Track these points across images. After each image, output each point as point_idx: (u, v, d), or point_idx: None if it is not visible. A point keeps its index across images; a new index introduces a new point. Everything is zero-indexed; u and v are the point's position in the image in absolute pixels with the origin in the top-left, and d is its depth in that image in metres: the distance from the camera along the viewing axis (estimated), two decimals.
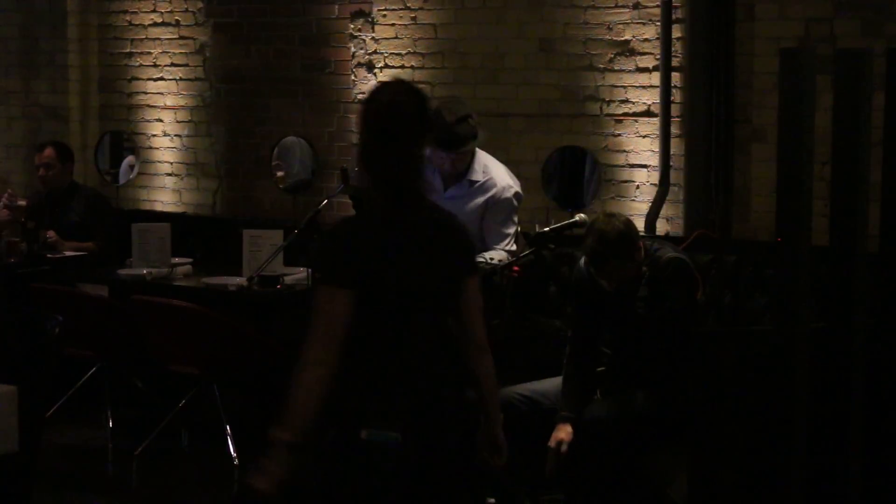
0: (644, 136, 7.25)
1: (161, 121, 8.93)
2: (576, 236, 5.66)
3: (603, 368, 5.51)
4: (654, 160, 7.18)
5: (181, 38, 8.80)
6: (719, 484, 4.79)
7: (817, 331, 4.40)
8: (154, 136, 8.97)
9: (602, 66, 7.34)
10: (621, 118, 7.32)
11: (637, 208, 7.21)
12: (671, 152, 7.10)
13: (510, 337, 6.33)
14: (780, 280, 4.38)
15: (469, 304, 3.66)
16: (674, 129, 7.10)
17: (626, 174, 7.32)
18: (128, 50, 9.02)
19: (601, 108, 7.36)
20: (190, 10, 8.76)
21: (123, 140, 9.08)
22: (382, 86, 3.76)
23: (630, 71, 7.26)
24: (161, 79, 8.91)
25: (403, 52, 7.97)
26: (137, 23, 8.96)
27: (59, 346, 5.56)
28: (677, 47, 7.07)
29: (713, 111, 6.95)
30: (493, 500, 5.65)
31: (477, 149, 6.30)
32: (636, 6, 7.20)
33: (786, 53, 4.35)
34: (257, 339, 6.46)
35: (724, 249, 6.46)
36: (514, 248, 6.27)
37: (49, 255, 7.67)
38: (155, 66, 8.92)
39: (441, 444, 3.61)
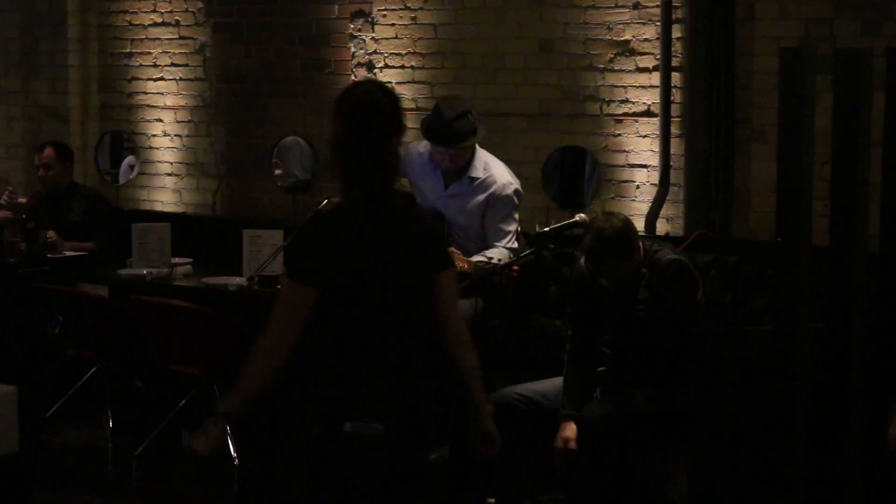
0: (644, 136, 7.25)
1: (161, 121, 8.93)
2: (576, 236, 5.66)
3: (603, 368, 5.51)
4: (654, 160, 7.18)
5: (181, 38, 8.80)
6: (719, 484, 4.80)
7: (817, 331, 4.40)
8: (154, 136, 8.97)
9: (602, 66, 7.34)
10: (621, 118, 7.32)
11: (637, 208, 7.21)
12: (671, 152, 7.10)
13: (510, 337, 6.34)
14: (780, 280, 4.38)
15: (444, 299, 3.71)
16: (674, 129, 7.10)
17: (626, 174, 7.32)
18: (128, 50, 9.02)
19: (601, 108, 7.36)
20: (190, 10, 8.76)
21: (123, 140, 9.08)
22: (355, 85, 3.81)
23: (630, 71, 7.26)
24: (161, 79, 8.91)
25: (403, 52, 7.97)
26: (137, 23, 8.96)
27: (59, 346, 5.58)
28: (677, 47, 7.07)
29: (713, 111, 6.94)
30: (493, 501, 5.66)
31: (477, 147, 6.32)
32: (636, 6, 7.20)
33: (786, 53, 4.35)
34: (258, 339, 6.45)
35: (724, 249, 6.46)
36: (515, 245, 6.28)
37: (49, 255, 7.67)
38: (155, 66, 8.92)
39: (421, 434, 3.68)
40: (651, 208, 7.10)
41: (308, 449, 3.64)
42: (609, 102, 7.34)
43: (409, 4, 7.94)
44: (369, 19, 8.09)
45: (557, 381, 5.56)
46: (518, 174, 6.49)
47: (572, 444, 5.30)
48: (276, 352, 3.61)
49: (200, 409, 6.69)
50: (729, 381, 4.75)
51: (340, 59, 8.22)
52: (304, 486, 3.66)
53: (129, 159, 9.00)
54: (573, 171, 7.33)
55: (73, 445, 6.94)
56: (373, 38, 8.08)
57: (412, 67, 7.95)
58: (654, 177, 7.17)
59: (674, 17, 7.03)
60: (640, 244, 5.36)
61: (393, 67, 8.02)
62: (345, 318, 3.61)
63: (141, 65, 8.98)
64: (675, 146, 7.11)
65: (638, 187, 7.28)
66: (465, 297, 6.07)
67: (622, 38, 7.26)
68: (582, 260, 5.44)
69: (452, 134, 6.16)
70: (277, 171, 8.21)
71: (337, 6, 8.22)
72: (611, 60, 7.31)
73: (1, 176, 9.24)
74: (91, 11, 9.10)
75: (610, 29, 7.29)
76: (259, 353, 3.63)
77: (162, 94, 8.91)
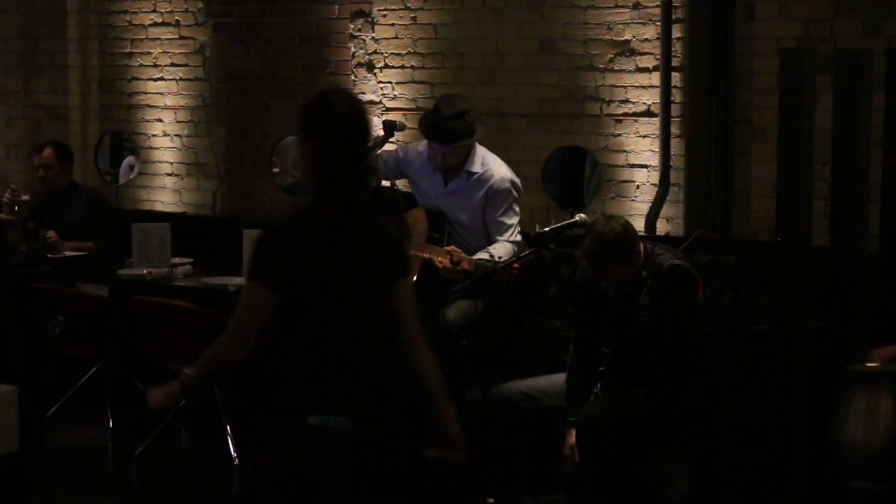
0: (644, 136, 7.25)
1: (161, 121, 8.93)
2: (576, 236, 5.66)
3: (603, 368, 5.51)
4: (654, 160, 7.18)
5: (181, 38, 8.80)
6: (719, 484, 4.80)
7: (817, 331, 4.40)
8: (154, 136, 8.97)
9: (602, 66, 7.34)
10: (621, 118, 7.32)
11: (637, 208, 7.21)
12: (671, 152, 7.10)
13: (510, 337, 6.34)
14: (780, 280, 4.39)
15: (402, 304, 3.81)
16: (674, 129, 7.10)
17: (626, 174, 7.32)
18: (128, 50, 9.02)
19: (601, 108, 7.36)
20: (190, 10, 8.76)
21: (123, 140, 9.08)
22: (333, 95, 3.81)
23: (630, 71, 7.26)
24: (161, 79, 8.91)
25: (403, 52, 7.97)
26: (137, 23, 8.96)
27: (59, 346, 5.57)
28: (677, 47, 7.07)
29: (713, 111, 6.94)
30: (492, 501, 5.65)
31: (476, 143, 6.33)
32: (636, 6, 7.20)
33: (786, 53, 4.35)
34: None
35: (724, 249, 6.46)
36: (518, 238, 6.28)
37: (49, 255, 7.66)
38: (155, 66, 8.92)
39: (387, 428, 3.75)
40: (651, 208, 7.10)
41: (275, 445, 3.73)
42: (609, 102, 7.33)
43: (409, 4, 7.94)
44: (369, 19, 8.09)
45: (558, 379, 5.56)
46: (518, 174, 6.49)
47: (577, 454, 5.31)
48: (235, 350, 3.74)
49: (200, 409, 6.71)
50: (729, 381, 4.75)
51: (340, 59, 8.22)
52: (273, 483, 3.74)
53: (129, 159, 9.00)
54: (573, 171, 7.33)
55: (73, 445, 6.94)
56: (373, 38, 8.08)
57: (412, 67, 7.95)
58: (654, 177, 7.17)
59: (674, 17, 7.03)
60: (641, 247, 5.36)
61: (393, 67, 8.02)
62: (309, 321, 3.71)
63: (141, 65, 8.98)
64: (675, 146, 7.10)
65: (638, 187, 7.28)
66: (466, 296, 6.08)
67: (622, 38, 7.26)
68: (584, 262, 5.44)
69: (447, 132, 6.17)
70: (276, 169, 8.21)
71: (337, 6, 8.22)
72: (611, 60, 7.31)
73: (1, 176, 9.24)
74: (91, 11, 9.10)
75: (610, 29, 7.29)
76: (218, 348, 3.77)
77: (162, 94, 8.91)
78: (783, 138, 4.33)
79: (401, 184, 6.61)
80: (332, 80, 8.19)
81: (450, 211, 6.33)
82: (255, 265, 3.72)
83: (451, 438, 3.86)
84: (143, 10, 8.92)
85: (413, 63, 7.95)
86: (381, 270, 3.77)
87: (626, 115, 7.30)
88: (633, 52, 7.24)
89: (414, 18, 7.93)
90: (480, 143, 6.40)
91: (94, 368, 7.13)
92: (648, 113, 7.21)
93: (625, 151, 7.32)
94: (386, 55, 8.04)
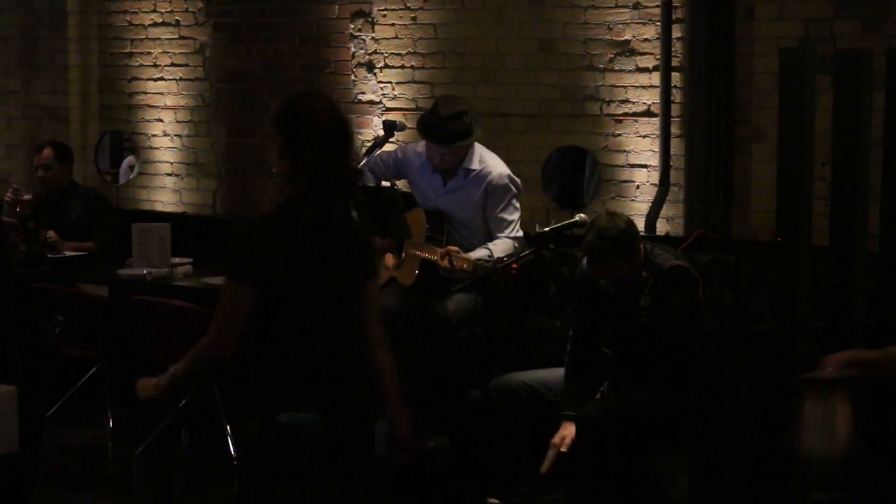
0: (644, 136, 7.24)
1: (161, 121, 8.93)
2: (576, 236, 5.66)
3: (603, 368, 5.50)
4: (654, 160, 7.18)
5: (181, 38, 8.80)
6: (719, 484, 4.80)
7: (817, 331, 4.40)
8: (154, 136, 8.97)
9: (602, 66, 7.34)
10: (621, 118, 7.32)
11: (637, 208, 7.21)
12: (671, 152, 7.10)
13: (510, 337, 6.34)
14: (780, 280, 4.39)
15: (369, 304, 3.90)
16: (674, 129, 7.10)
17: (626, 174, 7.32)
18: (128, 50, 9.02)
19: (601, 108, 7.36)
20: (190, 10, 8.76)
21: (123, 140, 9.08)
22: (312, 100, 3.85)
23: (630, 71, 7.26)
24: (161, 79, 8.91)
25: (403, 52, 7.97)
26: (137, 23, 8.96)
27: (59, 346, 5.57)
28: (677, 47, 7.07)
29: (713, 111, 6.94)
30: (493, 501, 5.65)
31: (475, 143, 6.34)
32: (636, 6, 7.20)
33: (786, 53, 4.36)
34: None
35: (724, 249, 6.46)
36: (519, 234, 6.28)
37: (49, 255, 7.66)
38: (155, 66, 8.92)
39: (355, 424, 3.82)
40: (651, 208, 7.10)
41: (247, 443, 3.82)
42: (609, 102, 7.33)
43: (409, 4, 7.94)
44: (369, 19, 8.09)
45: (560, 372, 5.55)
46: (518, 174, 6.48)
47: (568, 443, 5.31)
48: (219, 349, 3.77)
49: (200, 409, 6.71)
50: (729, 381, 4.75)
51: (340, 59, 8.22)
52: (246, 480, 3.85)
53: (129, 159, 8.99)
54: (573, 171, 7.33)
55: (73, 445, 6.93)
56: (373, 38, 8.08)
57: (412, 67, 7.95)
58: (654, 177, 7.17)
59: (674, 17, 7.03)
60: (641, 246, 5.36)
61: (393, 67, 8.02)
62: (283, 317, 3.76)
63: (141, 65, 8.98)
64: (675, 146, 7.10)
65: (638, 187, 7.28)
66: (466, 295, 6.09)
67: (622, 38, 7.26)
68: (584, 261, 5.44)
69: (445, 132, 6.18)
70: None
71: (337, 6, 8.22)
72: (611, 60, 7.31)
73: (1, 176, 9.24)
74: (91, 11, 9.09)
75: (610, 29, 7.29)
76: (203, 347, 3.80)
77: (162, 94, 8.91)
78: (783, 138, 4.34)
79: (401, 184, 6.61)
80: (332, 80, 8.19)
81: (450, 210, 6.33)
82: (234, 263, 3.76)
83: (401, 439, 3.93)
84: (143, 10, 8.92)
85: (413, 63, 7.95)
86: (353, 271, 3.84)
87: (626, 115, 7.30)
88: (633, 52, 7.24)
89: (414, 18, 7.93)
90: (479, 143, 6.40)
91: (94, 368, 7.12)
92: (648, 113, 7.21)
93: (625, 151, 7.32)
94: (386, 55, 8.04)
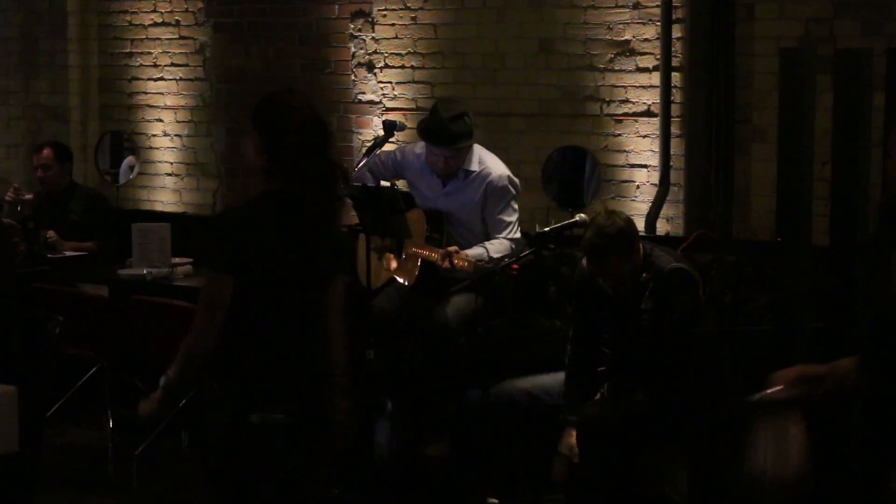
0: (644, 136, 7.24)
1: (161, 121, 8.93)
2: (576, 236, 5.66)
3: (603, 368, 5.50)
4: (654, 160, 7.18)
5: (181, 38, 8.80)
6: (719, 484, 4.80)
7: (817, 331, 4.40)
8: (154, 136, 8.97)
9: (602, 66, 7.33)
10: (621, 118, 7.32)
11: (637, 208, 7.21)
12: (671, 152, 7.10)
13: (510, 337, 6.33)
14: (780, 280, 4.39)
15: (333, 298, 3.91)
16: (674, 129, 7.10)
17: (626, 174, 7.32)
18: (128, 50, 9.02)
19: (601, 108, 7.36)
20: (190, 10, 8.76)
21: (123, 140, 9.08)
22: (289, 97, 3.94)
23: (630, 71, 7.26)
24: (161, 79, 8.91)
25: (403, 52, 7.97)
26: (137, 23, 8.96)
27: (59, 346, 5.56)
28: (677, 47, 7.07)
29: (713, 111, 6.94)
30: (495, 501, 5.65)
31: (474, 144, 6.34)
32: (636, 6, 7.20)
33: (786, 53, 4.36)
34: None
35: (724, 249, 6.45)
36: (518, 235, 6.28)
37: (49, 255, 7.66)
38: (155, 66, 8.92)
39: (324, 423, 3.84)
40: (651, 208, 7.10)
41: (216, 442, 3.85)
42: (609, 102, 7.33)
43: (409, 4, 7.94)
44: (369, 19, 8.09)
45: (560, 376, 5.55)
46: (518, 174, 6.49)
47: (576, 454, 5.31)
48: (204, 340, 3.77)
49: (200, 409, 6.70)
50: (729, 381, 4.75)
51: (340, 59, 8.22)
52: (215, 480, 3.91)
53: (129, 159, 8.99)
54: (573, 171, 7.33)
55: (73, 445, 6.94)
56: (373, 38, 8.08)
57: (412, 67, 7.95)
58: (654, 177, 7.17)
59: (674, 17, 7.03)
60: (640, 246, 5.36)
61: (393, 67, 8.02)
62: (255, 311, 3.76)
63: (141, 65, 8.98)
64: (675, 146, 7.10)
65: (638, 187, 7.28)
66: (465, 298, 6.09)
67: (622, 38, 7.26)
68: (584, 261, 5.43)
69: (448, 134, 6.17)
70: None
71: (337, 6, 8.22)
72: (611, 60, 7.31)
73: (1, 176, 9.23)
74: (91, 11, 9.10)
75: (610, 29, 7.29)
76: (189, 342, 3.80)
77: (162, 94, 8.91)
78: (783, 138, 4.34)
79: (400, 184, 6.61)
80: (332, 80, 8.19)
81: (449, 211, 6.33)
82: (211, 253, 3.80)
83: (340, 429, 3.92)
84: (143, 10, 8.92)
85: (413, 63, 7.95)
86: (323, 265, 3.85)
87: (626, 115, 7.30)
88: (633, 52, 7.24)
89: (414, 18, 7.93)
90: (479, 144, 6.40)
91: (94, 368, 7.12)
92: (648, 113, 7.21)
93: (625, 151, 7.32)
94: (386, 55, 8.04)
